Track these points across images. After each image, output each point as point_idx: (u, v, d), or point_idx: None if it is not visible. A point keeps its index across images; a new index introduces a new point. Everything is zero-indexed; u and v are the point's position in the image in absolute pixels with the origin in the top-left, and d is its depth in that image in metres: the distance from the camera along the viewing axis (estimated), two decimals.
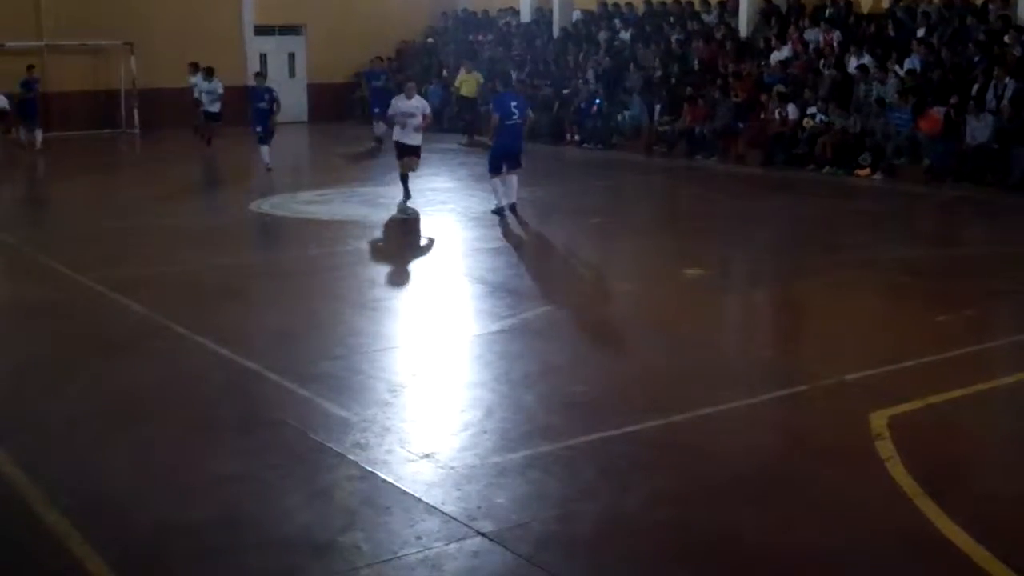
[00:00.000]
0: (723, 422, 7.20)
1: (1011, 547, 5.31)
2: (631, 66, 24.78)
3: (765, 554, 5.39)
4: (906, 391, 7.70)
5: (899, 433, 6.80)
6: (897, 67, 20.27)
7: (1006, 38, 19.64)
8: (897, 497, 5.92)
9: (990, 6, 21.08)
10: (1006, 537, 5.50)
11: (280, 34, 31.53)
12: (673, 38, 25.59)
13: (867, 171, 19.09)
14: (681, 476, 6.37)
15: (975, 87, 18.61)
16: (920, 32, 21.09)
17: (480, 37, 31.43)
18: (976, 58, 19.51)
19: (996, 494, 6.18)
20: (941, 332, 9.15)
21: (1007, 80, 18.16)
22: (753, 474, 6.36)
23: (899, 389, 7.70)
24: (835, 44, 22.23)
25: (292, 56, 31.89)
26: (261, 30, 30.93)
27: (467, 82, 26.98)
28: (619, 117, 24.15)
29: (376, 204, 16.64)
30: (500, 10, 32.45)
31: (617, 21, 28.00)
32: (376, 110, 23.67)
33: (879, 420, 6.99)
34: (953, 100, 18.47)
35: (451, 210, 16.32)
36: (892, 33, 21.82)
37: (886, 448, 6.57)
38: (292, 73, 31.61)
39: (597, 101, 24.40)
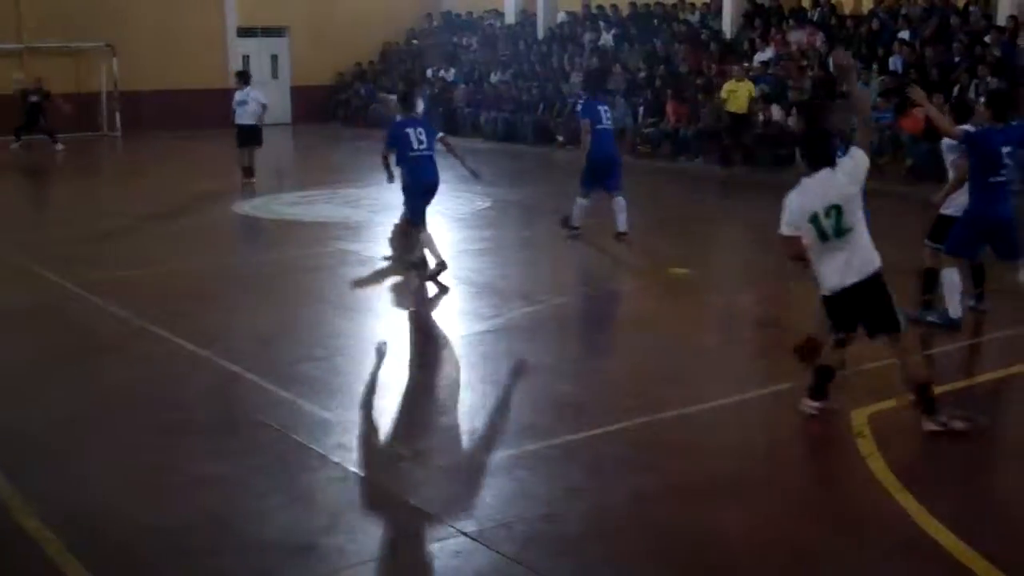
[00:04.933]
0: (707, 420, 7.20)
1: (991, 543, 5.33)
2: (615, 68, 24.79)
3: (748, 552, 5.39)
4: (887, 389, 7.69)
5: (879, 430, 6.82)
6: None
7: (987, 38, 19.72)
8: (878, 494, 5.94)
9: (971, 7, 21.16)
10: (986, 533, 5.52)
11: (263, 36, 31.46)
12: (657, 41, 25.62)
13: None
14: (666, 474, 6.36)
15: (957, 87, 18.66)
16: (902, 33, 21.15)
17: (464, 39, 31.43)
18: (958, 58, 19.57)
19: (976, 490, 6.22)
20: (923, 330, 9.12)
21: (989, 79, 18.21)
22: (736, 472, 6.36)
23: (880, 387, 7.69)
24: (818, 45, 22.28)
25: (275, 58, 31.84)
26: (244, 32, 30.87)
27: (737, 92, 20.85)
28: None
29: (359, 205, 16.63)
30: (485, 11, 32.45)
31: (601, 23, 28.04)
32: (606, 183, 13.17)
33: (860, 417, 7.02)
34: (936, 100, 18.50)
35: (437, 211, 16.23)
36: (875, 33, 21.89)
37: (867, 445, 6.58)
38: (275, 75, 31.55)
39: (581, 103, 24.36)
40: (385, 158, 11.25)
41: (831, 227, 6.56)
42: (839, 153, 6.79)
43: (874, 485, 6.05)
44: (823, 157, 6.67)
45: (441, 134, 11.53)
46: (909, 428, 7.09)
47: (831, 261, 6.63)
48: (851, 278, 6.60)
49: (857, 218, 6.64)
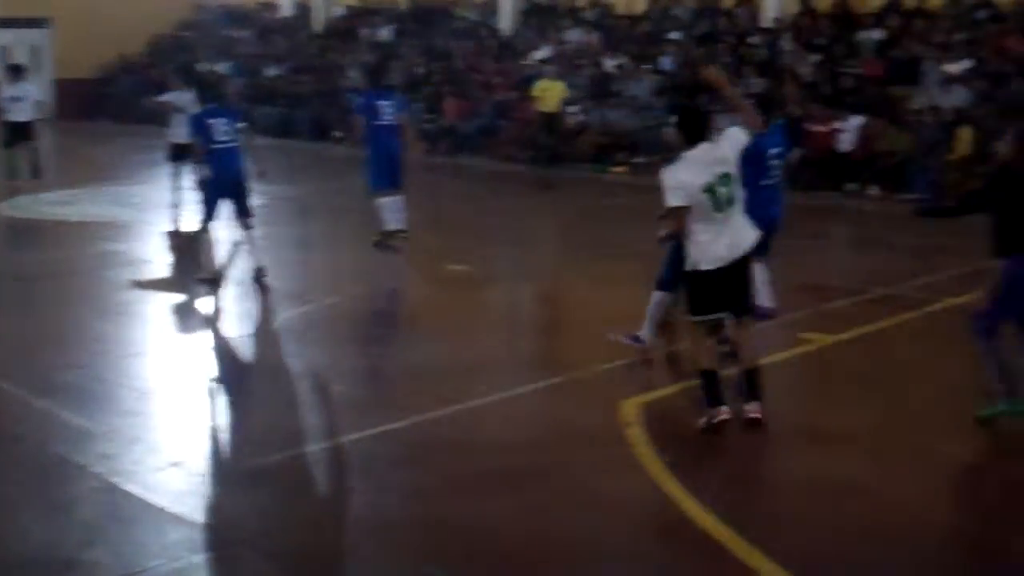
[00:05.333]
0: (481, 416, 7.20)
1: (752, 525, 5.50)
2: (395, 63, 24.69)
3: (520, 547, 5.41)
4: (655, 378, 7.97)
5: (648, 419, 6.98)
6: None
7: (752, 39, 20.56)
8: (645, 482, 6.07)
9: (738, 8, 22.04)
10: (747, 515, 5.71)
11: (22, 27, 29.93)
12: (436, 37, 25.69)
13: (624, 168, 19.60)
14: (440, 472, 6.33)
15: None
16: (673, 33, 21.83)
17: (238, 32, 30.75)
18: (726, 59, 20.32)
19: (737, 474, 6.46)
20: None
21: (753, 79, 18.96)
22: (509, 467, 6.37)
23: (651, 377, 7.93)
24: (595, 44, 22.78)
25: (36, 50, 30.37)
26: (1, 22, 29.32)
27: (550, 91, 20.30)
28: None
29: (126, 204, 16.02)
30: (259, 3, 31.84)
31: (379, 18, 27.91)
32: None
33: (629, 407, 7.16)
34: (704, 98, 19.13)
35: None
36: (647, 33, 22.53)
37: (635, 434, 6.73)
38: (37, 68, 30.08)
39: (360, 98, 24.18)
40: (195, 150, 10.62)
41: (726, 196, 6.58)
42: None
43: (642, 473, 6.18)
44: (700, 131, 6.69)
45: (243, 124, 11.04)
46: (676, 416, 7.30)
47: (719, 235, 6.61)
48: (736, 252, 6.64)
49: (741, 189, 6.73)
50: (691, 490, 5.88)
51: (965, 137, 15.76)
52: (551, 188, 18.54)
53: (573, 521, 5.68)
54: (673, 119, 6.81)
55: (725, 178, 6.61)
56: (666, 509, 5.75)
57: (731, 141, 6.78)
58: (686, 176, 6.61)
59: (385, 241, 12.60)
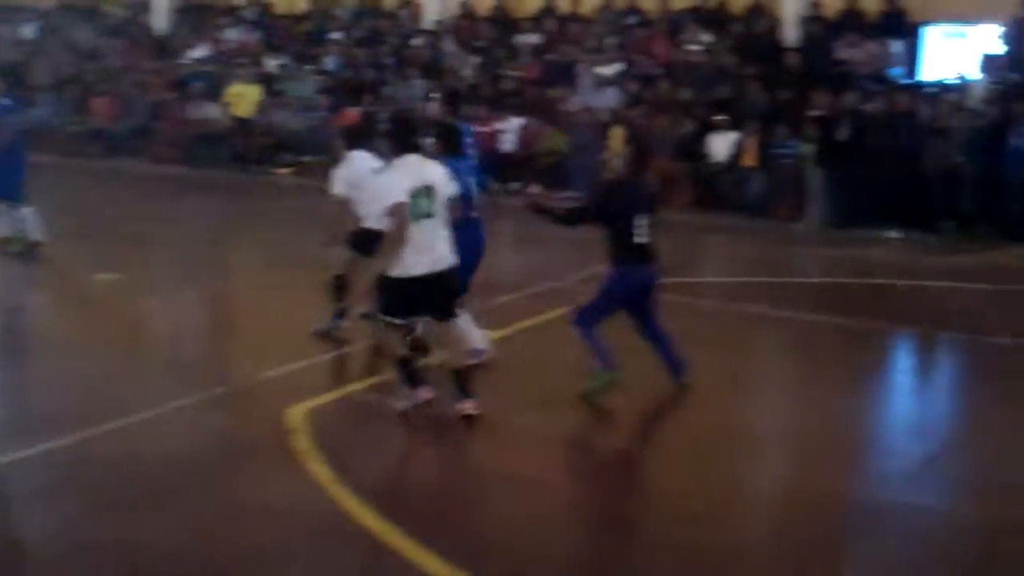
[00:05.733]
0: (140, 432, 6.76)
1: (418, 522, 5.49)
2: (39, 62, 23.20)
3: (181, 563, 5.11)
4: (323, 384, 7.81)
5: (315, 425, 6.82)
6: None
7: (415, 41, 20.67)
8: (311, 488, 5.93)
9: (401, 11, 22.10)
10: (412, 513, 5.71)
11: None
12: (83, 35, 24.35)
13: (289, 169, 19.25)
14: (94, 493, 5.91)
15: (386, 87, 19.37)
16: (335, 33, 21.64)
17: None
18: (389, 59, 20.34)
19: (402, 473, 6.52)
20: (355, 325, 9.15)
21: (417, 80, 19.07)
22: (169, 483, 6.02)
23: (316, 382, 7.77)
24: (254, 43, 22.26)
25: None
26: None
27: (243, 96, 19.92)
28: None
29: None
30: None
31: (22, 14, 26.17)
32: None
33: (295, 414, 6.98)
34: (368, 99, 19.05)
35: None
36: (309, 33, 22.24)
37: (301, 441, 6.55)
38: None
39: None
40: None
41: (424, 208, 6.76)
42: None
43: (306, 478, 6.03)
44: (409, 143, 6.96)
45: None
46: (343, 420, 7.20)
47: (416, 247, 6.72)
48: (428, 268, 6.76)
49: (443, 210, 6.90)
50: (356, 491, 5.80)
51: (618, 136, 16.38)
52: (213, 190, 17.91)
53: (236, 533, 5.45)
54: (387, 127, 7.15)
55: (428, 191, 6.82)
56: (331, 513, 5.63)
57: (444, 173, 7.02)
58: (397, 178, 6.84)
59: (29, 250, 11.83)
